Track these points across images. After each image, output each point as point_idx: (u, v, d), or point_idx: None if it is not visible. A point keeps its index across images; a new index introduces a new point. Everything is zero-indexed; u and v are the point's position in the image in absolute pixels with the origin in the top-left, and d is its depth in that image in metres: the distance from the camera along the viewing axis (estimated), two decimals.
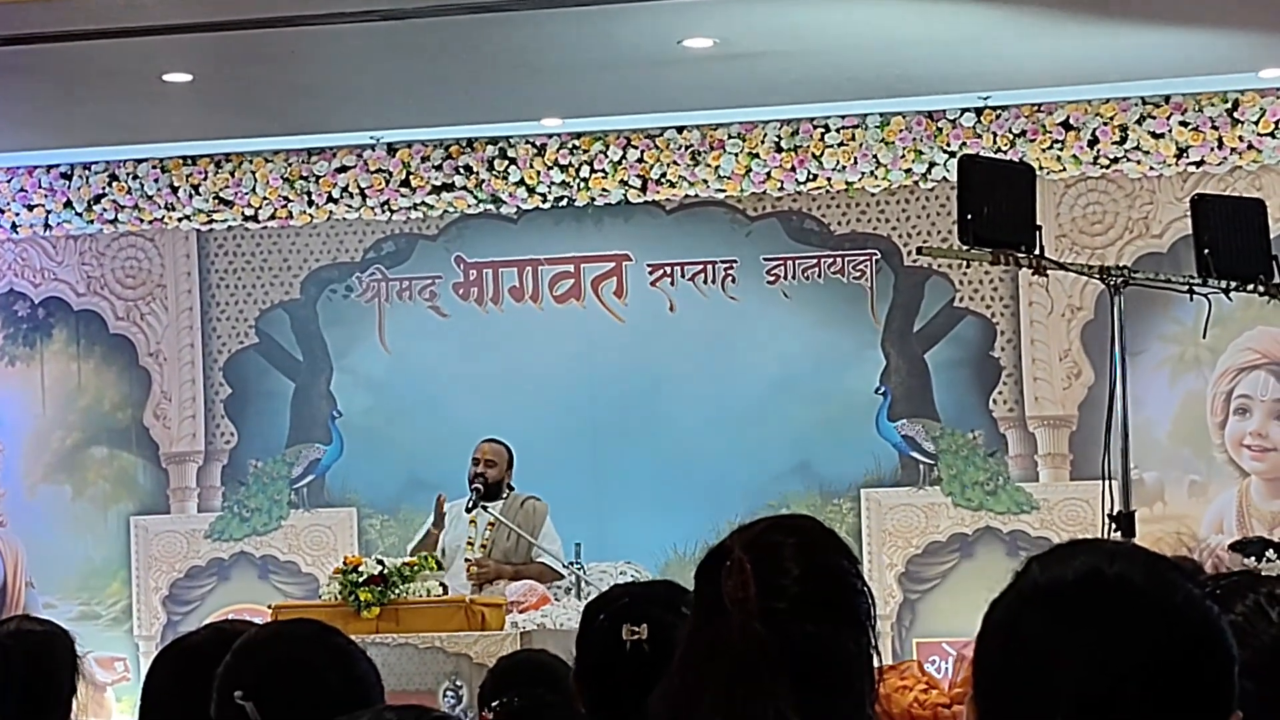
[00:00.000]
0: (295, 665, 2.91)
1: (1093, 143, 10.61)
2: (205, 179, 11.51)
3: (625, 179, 11.13)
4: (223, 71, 9.68)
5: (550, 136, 11.17)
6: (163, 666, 3.28)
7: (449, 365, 11.51)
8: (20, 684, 3.98)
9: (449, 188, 11.33)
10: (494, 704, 4.68)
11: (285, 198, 11.48)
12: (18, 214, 11.74)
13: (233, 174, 11.50)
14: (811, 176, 10.96)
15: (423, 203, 11.40)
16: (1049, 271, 7.49)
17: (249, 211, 11.55)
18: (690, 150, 11.03)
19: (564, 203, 11.33)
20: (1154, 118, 10.54)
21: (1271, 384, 10.72)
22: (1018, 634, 1.84)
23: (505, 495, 9.80)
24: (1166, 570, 1.86)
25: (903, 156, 10.81)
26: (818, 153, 10.88)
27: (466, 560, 9.65)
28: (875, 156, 10.85)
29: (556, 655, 4.97)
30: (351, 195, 11.41)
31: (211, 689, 2.89)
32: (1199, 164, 10.61)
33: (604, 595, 3.46)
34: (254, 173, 11.47)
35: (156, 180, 11.55)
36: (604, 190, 11.19)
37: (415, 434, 11.44)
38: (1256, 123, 10.44)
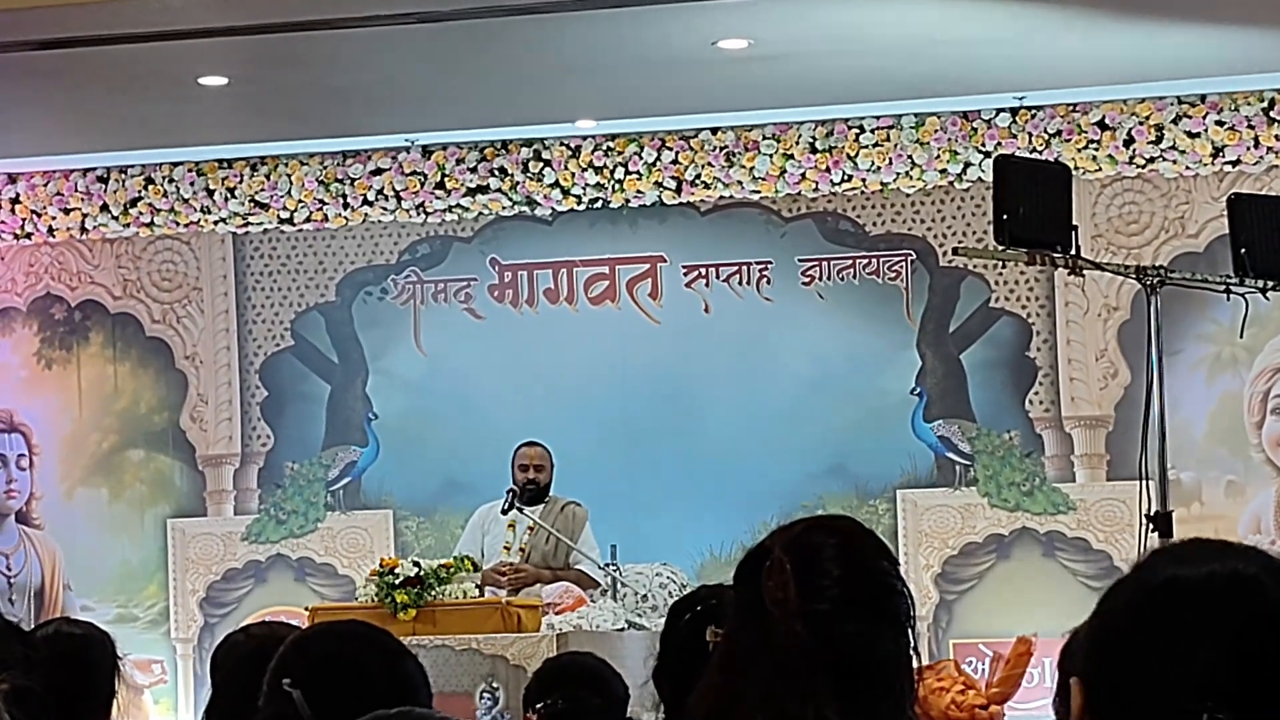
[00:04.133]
0: (343, 661, 3.00)
1: (1128, 142, 10.58)
2: (241, 182, 11.53)
3: (660, 180, 11.12)
4: (258, 75, 9.71)
5: (585, 138, 11.17)
6: (235, 653, 3.39)
7: (484, 367, 11.51)
8: (61, 686, 4.00)
9: (484, 190, 11.33)
10: (538, 705, 4.68)
11: (320, 200, 11.49)
12: (54, 217, 11.77)
13: (268, 177, 11.51)
14: (846, 177, 10.94)
15: (458, 205, 11.41)
16: (1085, 272, 7.48)
17: (284, 214, 11.57)
18: (725, 151, 11.02)
19: (599, 204, 11.34)
20: (1190, 117, 10.50)
21: None
22: (1149, 624, 1.85)
23: (545, 499, 9.78)
24: None
25: (938, 157, 10.79)
26: (853, 153, 10.86)
27: (502, 564, 9.58)
28: (910, 157, 10.82)
29: (602, 659, 4.98)
30: (386, 198, 11.42)
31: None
32: (1235, 163, 10.57)
33: (691, 595, 3.46)
34: (289, 176, 11.49)
35: (192, 183, 11.58)
36: (639, 192, 11.18)
37: (451, 436, 11.45)
38: None
